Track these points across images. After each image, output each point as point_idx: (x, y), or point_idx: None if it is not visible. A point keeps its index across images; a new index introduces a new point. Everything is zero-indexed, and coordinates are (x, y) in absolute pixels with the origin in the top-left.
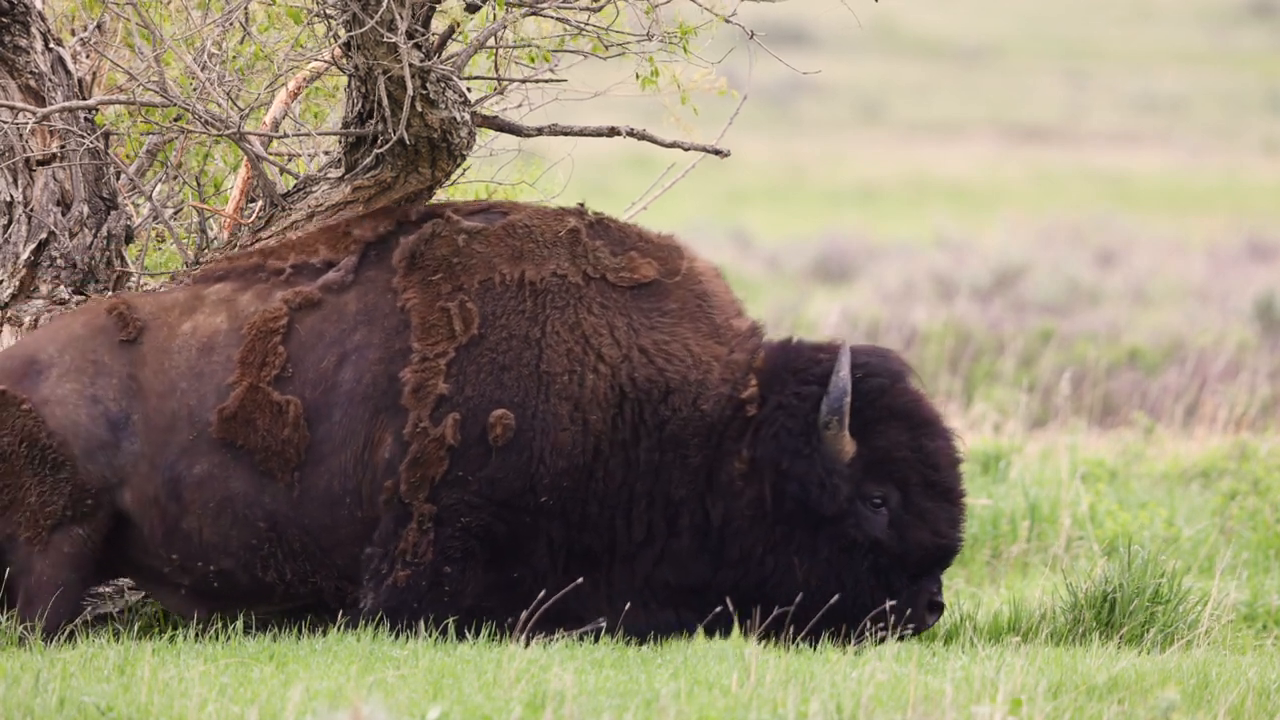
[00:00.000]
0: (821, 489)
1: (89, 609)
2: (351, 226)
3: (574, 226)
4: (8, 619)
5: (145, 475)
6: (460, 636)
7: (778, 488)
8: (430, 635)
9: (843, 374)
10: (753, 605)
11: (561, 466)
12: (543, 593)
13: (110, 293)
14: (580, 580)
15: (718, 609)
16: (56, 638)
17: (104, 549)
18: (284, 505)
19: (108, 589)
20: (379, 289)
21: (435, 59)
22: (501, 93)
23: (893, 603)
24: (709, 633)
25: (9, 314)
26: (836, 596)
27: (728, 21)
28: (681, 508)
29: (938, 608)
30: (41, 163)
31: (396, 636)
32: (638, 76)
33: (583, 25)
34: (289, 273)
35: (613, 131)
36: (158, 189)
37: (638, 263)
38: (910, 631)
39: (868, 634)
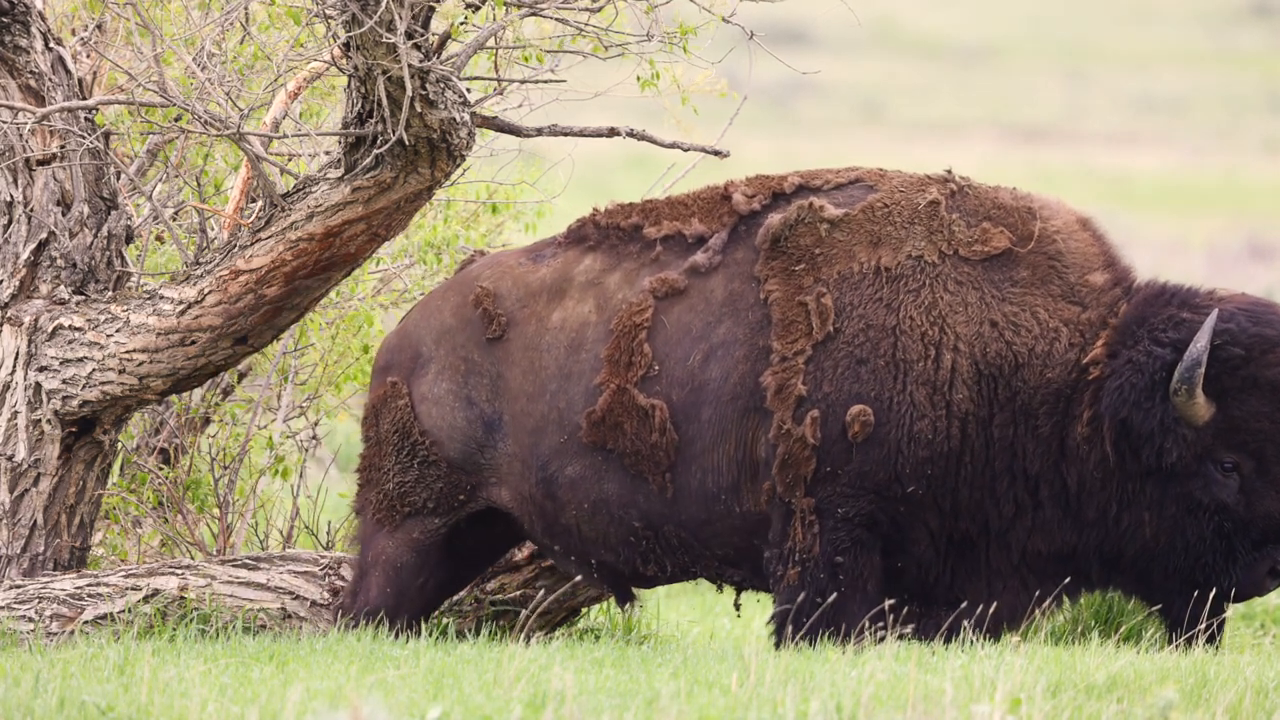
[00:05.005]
0: (1149, 443)
1: (89, 608)
2: (731, 190)
3: (934, 199)
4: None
5: (520, 474)
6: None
7: (1117, 442)
8: (431, 635)
9: (1201, 343)
10: (1111, 565)
11: (923, 455)
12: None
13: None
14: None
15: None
16: (400, 625)
17: (470, 535)
18: (658, 504)
19: (107, 588)
20: (743, 275)
21: (434, 59)
22: (501, 93)
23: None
24: (1072, 598)
25: (9, 314)
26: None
27: (727, 21)
28: (1040, 480)
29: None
30: (41, 163)
31: (803, 637)
32: (639, 80)
33: (583, 26)
34: (659, 247)
35: (612, 132)
36: (158, 189)
37: (990, 233)
38: (1245, 597)
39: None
